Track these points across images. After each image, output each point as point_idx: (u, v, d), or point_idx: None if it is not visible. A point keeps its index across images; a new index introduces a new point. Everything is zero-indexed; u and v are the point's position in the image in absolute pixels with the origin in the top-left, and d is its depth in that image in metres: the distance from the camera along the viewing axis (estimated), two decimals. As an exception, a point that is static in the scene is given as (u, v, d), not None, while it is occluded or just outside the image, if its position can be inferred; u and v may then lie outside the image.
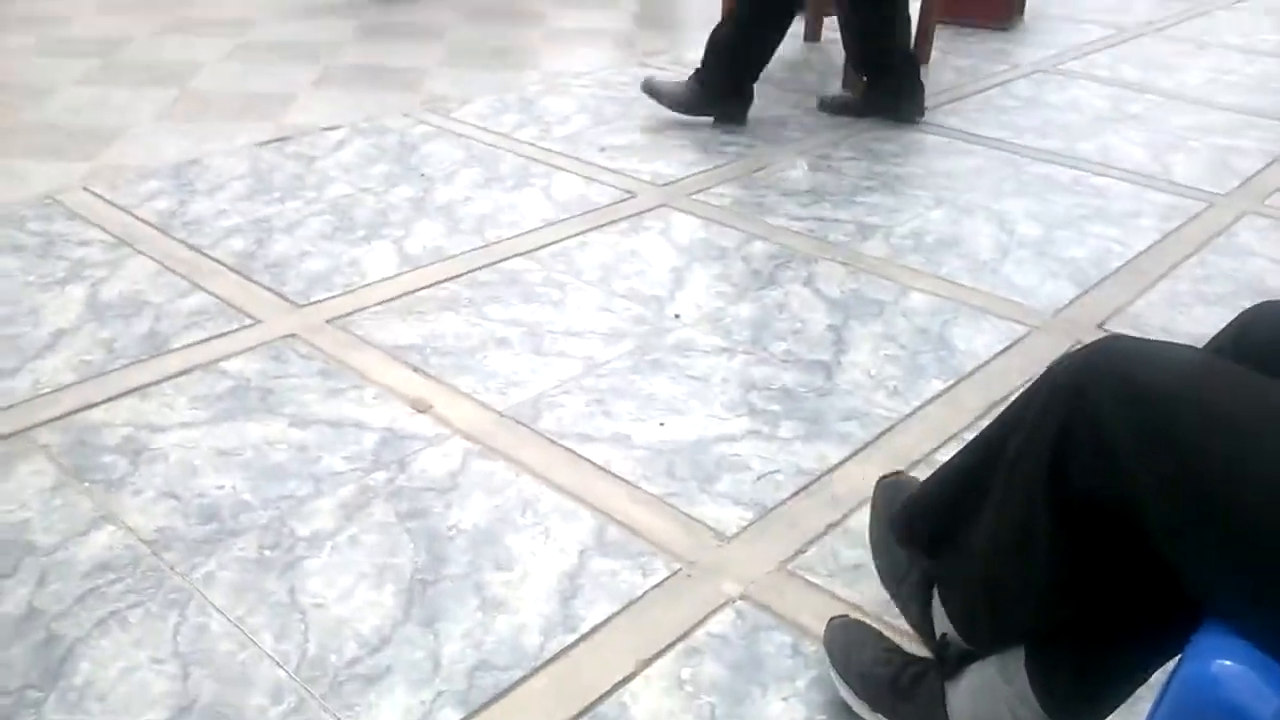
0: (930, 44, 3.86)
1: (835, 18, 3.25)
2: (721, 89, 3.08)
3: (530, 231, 2.40)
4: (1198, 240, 2.48)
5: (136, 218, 2.41)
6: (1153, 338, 1.06)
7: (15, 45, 4.34)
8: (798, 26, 4.22)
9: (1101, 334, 2.05)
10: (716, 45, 3.07)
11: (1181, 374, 0.87)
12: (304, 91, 3.82)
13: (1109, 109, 3.41)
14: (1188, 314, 2.13)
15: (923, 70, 3.77)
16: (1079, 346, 1.05)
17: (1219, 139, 3.17)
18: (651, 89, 3.14)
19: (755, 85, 3.15)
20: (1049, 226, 2.51)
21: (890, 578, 1.28)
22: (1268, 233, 2.55)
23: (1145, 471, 0.83)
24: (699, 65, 3.09)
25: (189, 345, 1.92)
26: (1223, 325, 1.06)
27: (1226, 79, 3.85)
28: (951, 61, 3.90)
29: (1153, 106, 3.46)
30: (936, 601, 1.15)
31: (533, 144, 2.94)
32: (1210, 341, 1.07)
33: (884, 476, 1.35)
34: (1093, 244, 2.42)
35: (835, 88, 3.50)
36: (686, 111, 3.10)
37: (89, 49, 4.29)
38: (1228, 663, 0.72)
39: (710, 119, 3.11)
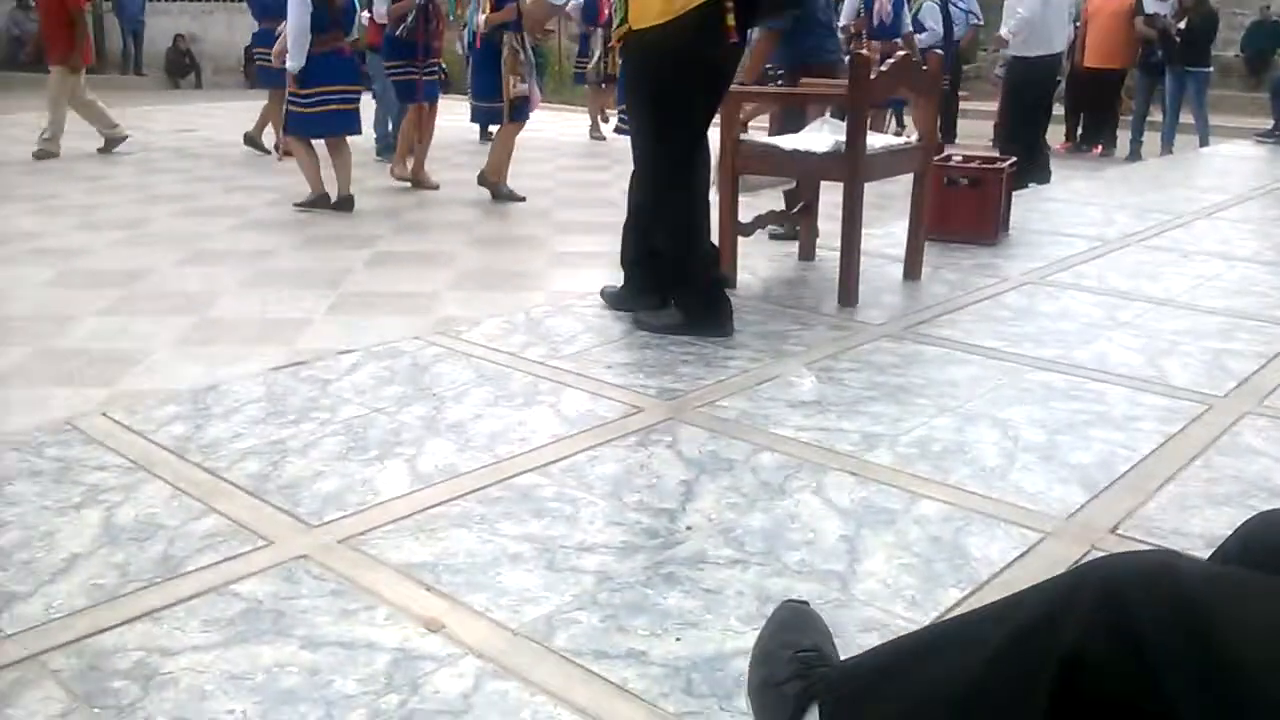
0: (921, 257, 4.01)
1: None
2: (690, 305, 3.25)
3: (540, 447, 2.44)
4: (1201, 442, 2.50)
5: (153, 442, 2.45)
6: (1166, 542, 1.07)
7: (41, 278, 4.51)
8: (791, 246, 4.41)
9: (1116, 539, 2.05)
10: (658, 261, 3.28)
11: (1214, 583, 0.88)
12: (319, 317, 3.95)
13: (1101, 316, 3.52)
14: (1199, 515, 2.13)
15: (916, 284, 3.93)
16: (1096, 556, 1.06)
17: (1212, 342, 3.25)
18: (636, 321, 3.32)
19: (738, 299, 3.27)
20: (1052, 432, 2.54)
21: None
22: (1270, 432, 2.58)
23: (1180, 677, 0.83)
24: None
25: (202, 568, 1.91)
26: (1233, 526, 1.07)
27: (1211, 284, 3.98)
28: (942, 275, 4.05)
29: (1143, 313, 3.56)
30: None
31: (541, 363, 3.02)
32: (1215, 552, 1.08)
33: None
34: (1097, 448, 2.45)
35: (832, 304, 3.62)
36: (669, 331, 3.25)
37: (112, 280, 4.46)
38: None
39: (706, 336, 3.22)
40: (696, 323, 3.25)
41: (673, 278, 3.32)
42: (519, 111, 6.61)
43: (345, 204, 6.24)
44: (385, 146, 8.25)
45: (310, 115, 6.06)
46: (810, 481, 2.27)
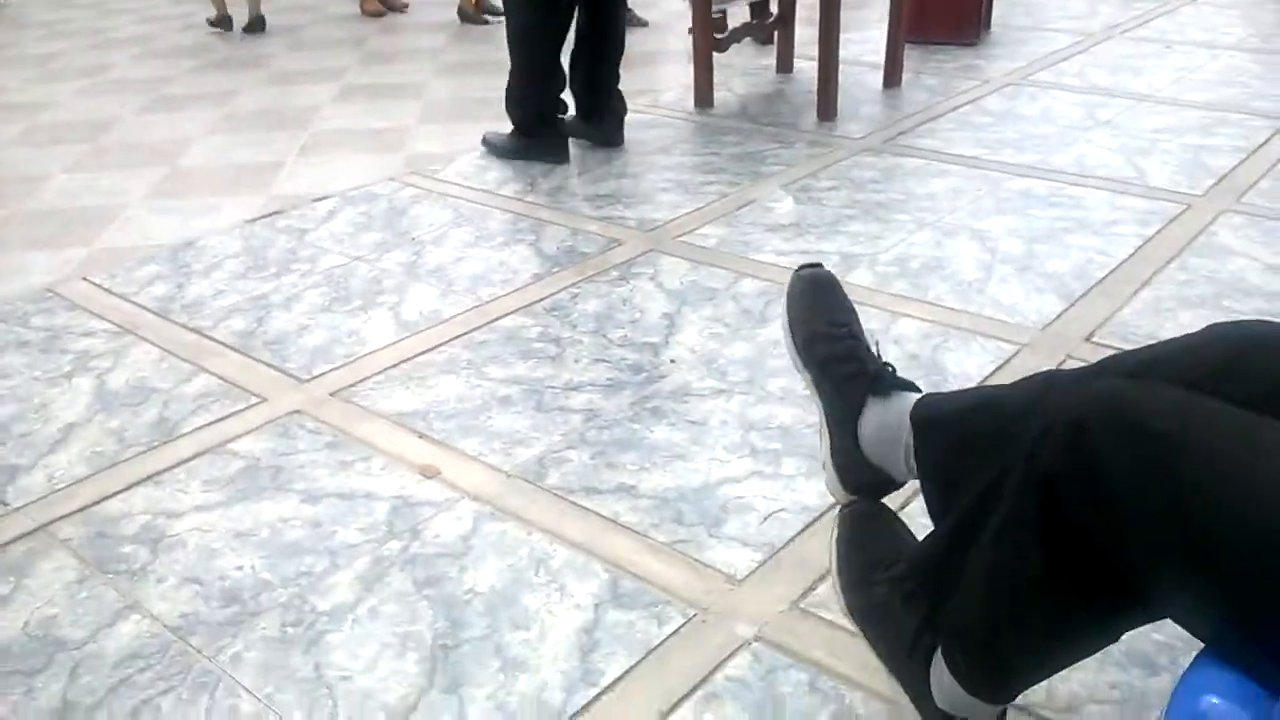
0: (900, 64, 3.92)
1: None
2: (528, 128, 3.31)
3: (523, 287, 2.45)
4: (1177, 244, 2.52)
5: (136, 304, 2.46)
6: (1141, 346, 1.10)
7: (5, 136, 4.41)
8: (769, 57, 4.30)
9: (1090, 346, 2.09)
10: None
11: (1178, 415, 0.90)
12: (291, 160, 3.88)
13: (1081, 117, 3.47)
14: (1173, 319, 2.17)
15: (896, 92, 3.86)
16: (1072, 377, 1.09)
17: (1191, 139, 3.23)
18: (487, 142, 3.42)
19: (715, 119, 3.21)
20: (1030, 242, 2.55)
21: (887, 644, 1.22)
22: (1245, 230, 2.59)
23: (1138, 505, 0.87)
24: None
25: (197, 429, 1.96)
26: (1207, 325, 1.07)
27: (1194, 77, 3.91)
28: (923, 81, 3.97)
29: (1124, 111, 3.52)
30: (939, 664, 1.13)
31: (518, 199, 3.00)
32: (1178, 352, 1.08)
33: (843, 508, 1.32)
34: (1075, 256, 2.47)
35: (811, 119, 3.56)
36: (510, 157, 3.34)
37: (78, 133, 4.35)
38: (1215, 700, 0.75)
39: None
40: (534, 148, 3.29)
41: (517, 104, 3.30)
42: None
43: (255, 25, 6.36)
44: None
45: None
46: (791, 307, 2.29)
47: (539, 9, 3.18)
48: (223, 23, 6.48)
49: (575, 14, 3.26)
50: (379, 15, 6.66)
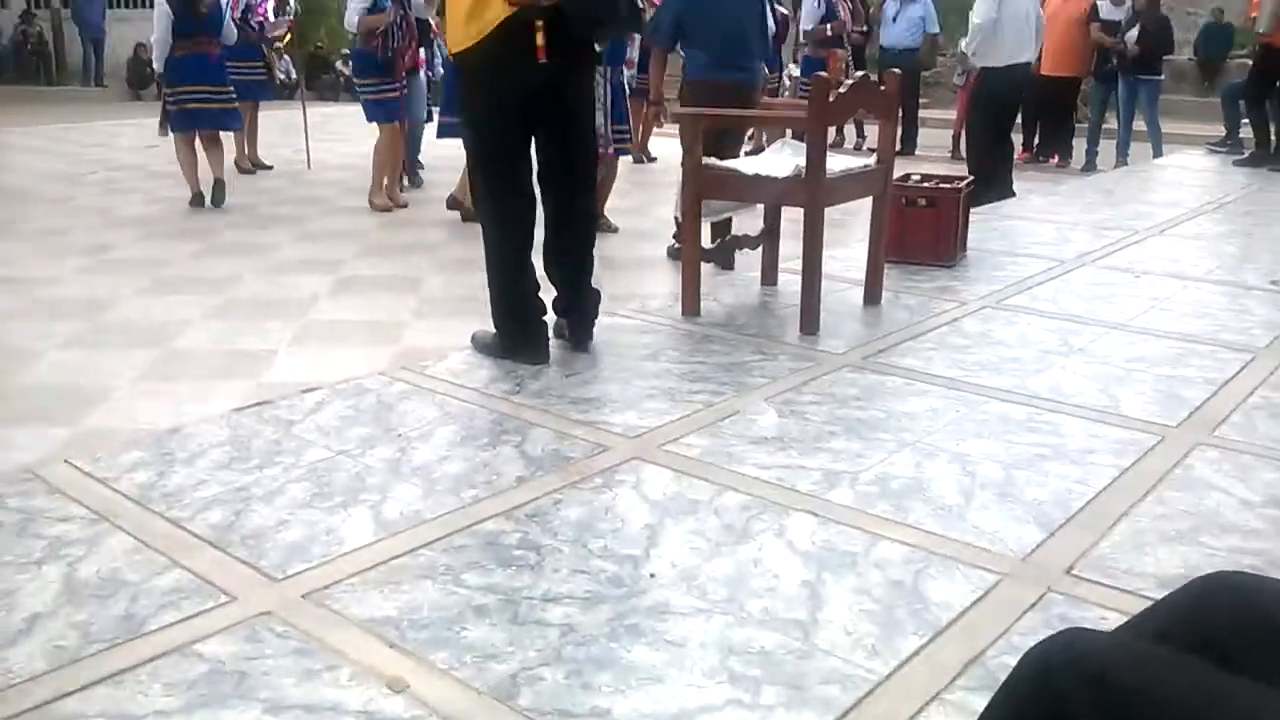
0: (881, 283, 4.06)
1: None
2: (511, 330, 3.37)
3: (506, 491, 2.45)
4: (1154, 475, 2.56)
5: (116, 490, 2.44)
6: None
7: (2, 308, 4.47)
8: (755, 269, 4.44)
9: (1070, 579, 2.09)
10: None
11: (1140, 667, 0.92)
12: (283, 349, 3.94)
13: (1056, 343, 3.58)
14: (1152, 554, 2.18)
15: (876, 309, 3.98)
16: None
17: (1164, 369, 3.32)
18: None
19: (701, 328, 3.30)
20: (1009, 467, 2.59)
21: None
22: (1221, 464, 2.64)
23: None
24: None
25: (165, 626, 1.91)
26: (1186, 564, 1.11)
27: (1164, 307, 4.06)
28: (902, 300, 4.10)
29: (1097, 338, 3.63)
30: None
31: (506, 399, 3.04)
32: (1160, 607, 1.11)
33: None
34: (1053, 484, 2.50)
35: (795, 332, 3.66)
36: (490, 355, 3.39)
37: (75, 310, 4.42)
38: None
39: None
40: (512, 348, 3.33)
41: (493, 301, 3.38)
42: None
43: (216, 194, 6.94)
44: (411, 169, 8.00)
45: (177, 112, 6.85)
46: (773, 523, 2.30)
47: (499, 200, 3.30)
48: (198, 200, 6.94)
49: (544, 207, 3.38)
50: (387, 210, 6.88)
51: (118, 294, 4.69)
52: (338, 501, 2.40)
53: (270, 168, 8.73)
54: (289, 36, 10.39)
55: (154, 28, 6.83)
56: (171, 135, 7.01)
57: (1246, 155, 8.61)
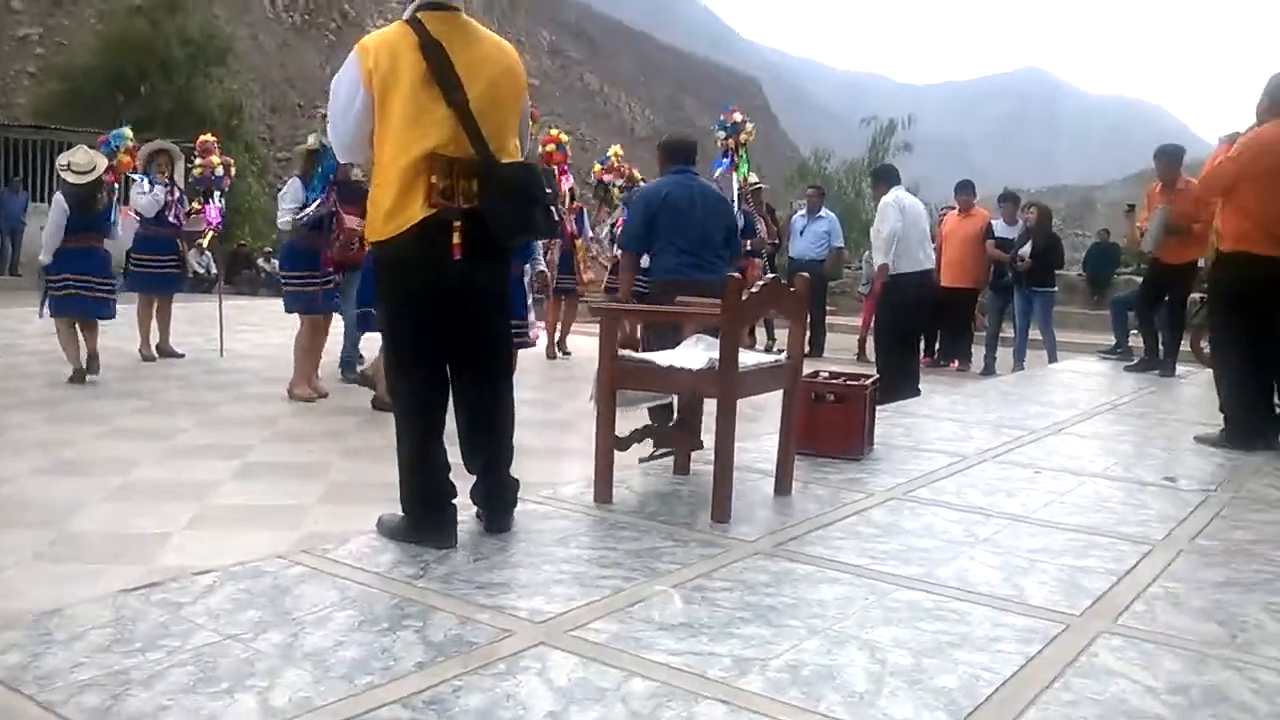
0: (791, 474, 4.11)
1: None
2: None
3: (403, 677, 2.35)
4: (1060, 663, 2.56)
5: (-18, 676, 2.28)
6: None
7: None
8: (667, 460, 4.47)
9: (980, 766, 2.05)
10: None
11: None
12: (179, 532, 3.80)
13: (961, 533, 3.63)
14: (1060, 741, 2.16)
15: (786, 499, 4.01)
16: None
17: (1067, 559, 3.37)
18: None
19: (614, 515, 3.29)
20: (918, 654, 2.57)
21: None
22: (1124, 651, 2.65)
23: None
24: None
25: (21, 823, 1.76)
26: None
27: (1064, 501, 4.16)
28: (812, 490, 4.14)
29: (1001, 530, 3.69)
30: None
31: (409, 583, 2.95)
32: None
33: None
34: (962, 671, 2.48)
35: (706, 519, 3.66)
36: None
37: (-41, 492, 4.24)
38: None
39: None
40: (419, 531, 3.28)
41: (402, 484, 3.36)
42: None
43: (91, 364, 7.36)
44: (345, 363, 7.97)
45: (57, 298, 7.44)
46: (682, 711, 2.23)
47: (411, 385, 3.34)
48: (78, 375, 7.22)
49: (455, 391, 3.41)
50: (309, 400, 6.82)
51: (15, 473, 4.53)
52: (223, 687, 2.27)
53: (181, 355, 8.66)
54: (210, 234, 10.50)
55: (48, 222, 7.49)
56: (52, 318, 7.53)
57: (1136, 361, 9.07)
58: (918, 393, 7.40)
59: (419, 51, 3.17)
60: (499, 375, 3.51)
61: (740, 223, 10.06)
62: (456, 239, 3.16)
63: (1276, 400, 5.76)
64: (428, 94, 3.16)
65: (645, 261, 5.71)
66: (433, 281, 3.24)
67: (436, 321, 3.31)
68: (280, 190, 7.47)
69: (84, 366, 7.29)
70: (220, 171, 9.46)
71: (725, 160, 9.44)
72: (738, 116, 9.44)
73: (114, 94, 26.98)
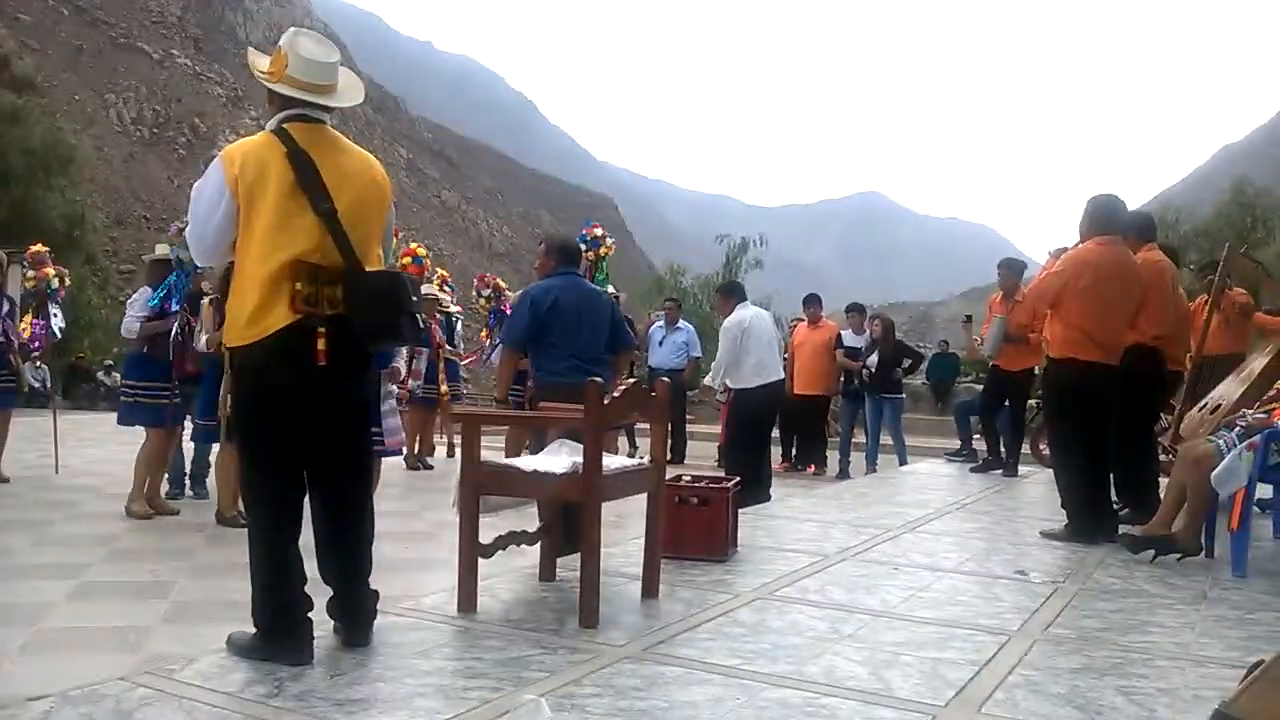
0: (657, 577, 4.10)
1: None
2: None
3: (259, 800, 2.21)
4: (927, 753, 2.59)
5: None
6: None
7: None
8: (533, 564, 4.40)
9: None
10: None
11: None
12: (8, 658, 3.53)
13: (826, 629, 3.67)
14: (932, 829, 2.17)
15: (654, 602, 3.99)
16: None
17: (929, 652, 3.44)
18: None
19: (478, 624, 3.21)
20: (791, 750, 2.56)
21: None
22: (986, 740, 2.70)
23: None
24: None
25: None
26: None
27: (922, 595, 4.26)
28: (678, 593, 4.14)
29: (864, 625, 3.75)
30: None
31: (262, 703, 2.80)
32: None
33: None
34: (833, 765, 2.49)
35: (574, 625, 3.60)
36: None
37: None
38: None
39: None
40: (273, 646, 3.15)
41: (254, 598, 3.24)
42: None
43: None
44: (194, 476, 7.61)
45: None
46: (553, 820, 2.17)
47: (266, 493, 3.25)
48: None
49: (311, 501, 3.32)
50: (146, 518, 6.48)
51: None
52: (58, 822, 2.09)
53: (6, 480, 8.04)
54: (34, 351, 9.94)
55: None
56: None
57: (981, 462, 9.45)
58: (769, 497, 7.53)
59: (286, 160, 3.17)
60: (359, 484, 3.43)
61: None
62: (321, 345, 3.13)
63: (1113, 495, 6.08)
64: (295, 202, 3.15)
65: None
66: (295, 387, 3.18)
67: (296, 427, 3.23)
68: (130, 298, 7.16)
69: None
70: (55, 284, 9.06)
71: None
72: (598, 231, 9.64)
73: (-52, 201, 25.80)
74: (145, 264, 7.45)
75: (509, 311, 8.24)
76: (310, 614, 3.22)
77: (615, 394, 3.96)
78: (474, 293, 11.63)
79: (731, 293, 8.35)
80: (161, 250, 7.12)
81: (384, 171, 3.49)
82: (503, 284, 11.85)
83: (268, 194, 3.14)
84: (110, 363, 21.48)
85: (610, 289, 10.38)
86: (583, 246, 9.65)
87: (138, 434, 6.78)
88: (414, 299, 3.35)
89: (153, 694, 2.83)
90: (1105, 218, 5.81)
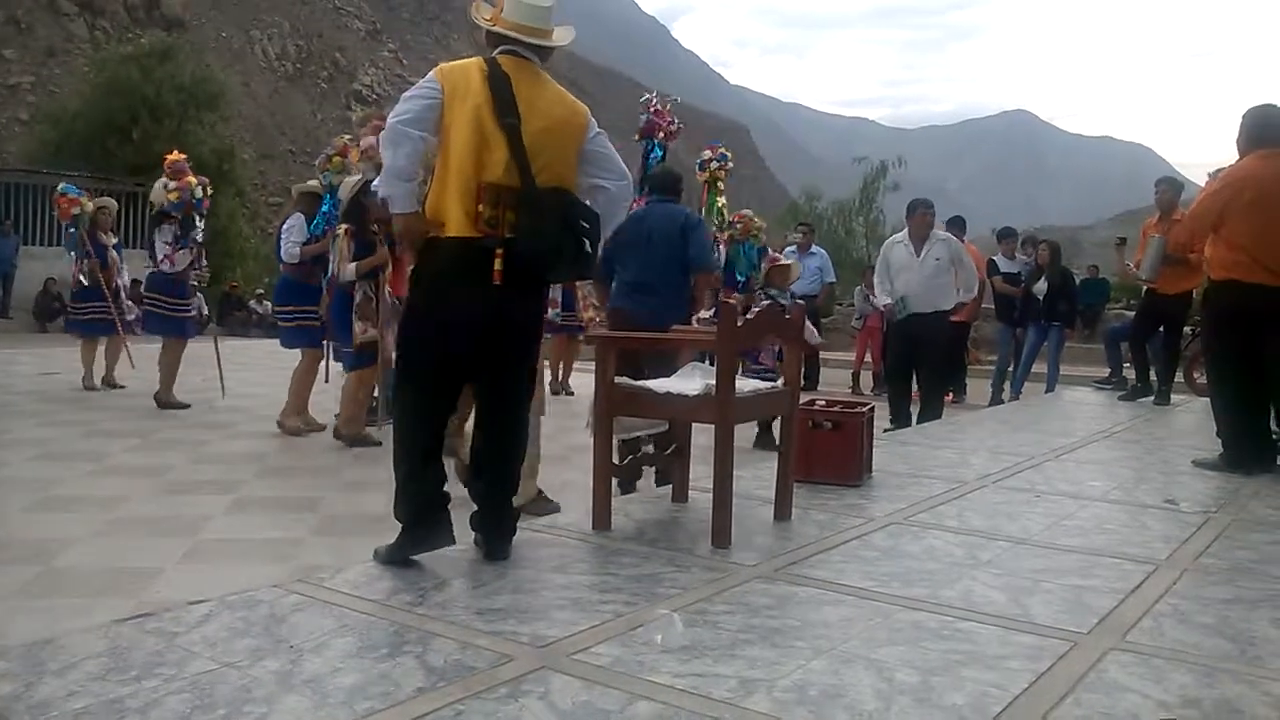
0: (790, 500, 4.08)
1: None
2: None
3: (404, 702, 2.30)
4: (1070, 679, 2.52)
5: (-27, 705, 2.23)
6: None
7: None
8: (664, 489, 4.43)
9: (993, 782, 2.01)
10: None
11: None
12: (171, 567, 3.75)
13: (964, 555, 3.59)
14: (1073, 756, 2.12)
15: (786, 525, 3.97)
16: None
17: (1071, 579, 3.34)
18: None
19: (612, 541, 3.25)
20: (926, 673, 2.53)
21: None
22: (1133, 667, 2.62)
23: None
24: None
25: None
26: None
27: (1066, 524, 4.13)
28: (811, 516, 4.11)
29: (1004, 552, 3.66)
30: None
31: (408, 610, 2.91)
32: None
33: None
34: (970, 689, 2.44)
35: (706, 545, 3.62)
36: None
37: (-54, 529, 4.18)
38: None
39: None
40: (414, 539, 3.30)
41: (397, 497, 3.36)
42: (368, 357, 6.49)
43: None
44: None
45: None
46: (687, 731, 2.19)
47: (416, 397, 3.38)
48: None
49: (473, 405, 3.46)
50: (297, 434, 6.78)
51: (3, 512, 4.47)
52: (220, 714, 2.22)
53: (187, 406, 8.39)
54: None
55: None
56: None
57: (1129, 390, 9.07)
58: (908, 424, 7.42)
59: (485, 80, 3.33)
60: (518, 404, 3.55)
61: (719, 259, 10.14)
62: (498, 265, 3.25)
63: (1274, 424, 5.75)
64: (487, 117, 3.29)
65: None
66: (467, 303, 3.31)
67: (463, 343, 3.35)
68: (285, 225, 7.33)
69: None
70: (199, 193, 8.75)
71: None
72: (705, 154, 9.45)
73: (105, 138, 27.06)
74: (294, 195, 7.70)
75: None
76: (449, 506, 3.35)
77: (749, 316, 3.91)
78: None
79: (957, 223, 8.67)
80: (313, 184, 7.34)
81: (586, 113, 3.57)
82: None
83: (466, 104, 3.29)
84: (261, 291, 22.38)
85: (721, 204, 10.07)
86: (702, 172, 9.53)
87: (288, 357, 7.07)
88: (584, 223, 3.37)
89: (304, 600, 2.97)
90: (1266, 128, 5.41)
